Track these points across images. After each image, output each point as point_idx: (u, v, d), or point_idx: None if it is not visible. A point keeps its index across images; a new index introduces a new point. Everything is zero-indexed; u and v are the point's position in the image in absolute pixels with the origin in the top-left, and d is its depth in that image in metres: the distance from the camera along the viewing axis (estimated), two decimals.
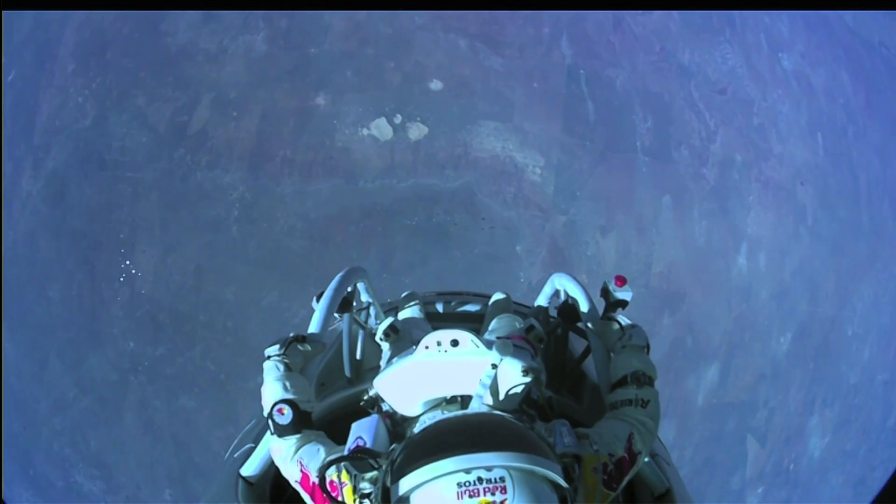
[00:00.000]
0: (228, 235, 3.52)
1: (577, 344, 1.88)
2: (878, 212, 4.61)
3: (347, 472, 1.13)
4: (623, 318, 1.59)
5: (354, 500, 1.10)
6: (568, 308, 1.78)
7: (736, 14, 4.35)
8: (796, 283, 4.28)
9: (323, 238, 3.53)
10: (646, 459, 1.28)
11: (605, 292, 1.70)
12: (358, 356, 1.79)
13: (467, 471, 0.97)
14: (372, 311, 2.04)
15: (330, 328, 1.60)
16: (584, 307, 1.67)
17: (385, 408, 1.35)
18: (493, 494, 0.95)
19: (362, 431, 1.18)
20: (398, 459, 1.04)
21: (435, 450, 1.01)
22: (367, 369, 1.76)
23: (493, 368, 1.27)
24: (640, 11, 4.10)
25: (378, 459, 1.10)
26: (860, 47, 4.81)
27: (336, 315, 1.69)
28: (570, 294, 1.75)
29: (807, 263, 4.31)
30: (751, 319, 4.14)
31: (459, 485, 0.97)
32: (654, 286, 3.88)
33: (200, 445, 3.51)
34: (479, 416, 1.16)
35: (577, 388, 1.78)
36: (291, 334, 1.45)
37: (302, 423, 1.30)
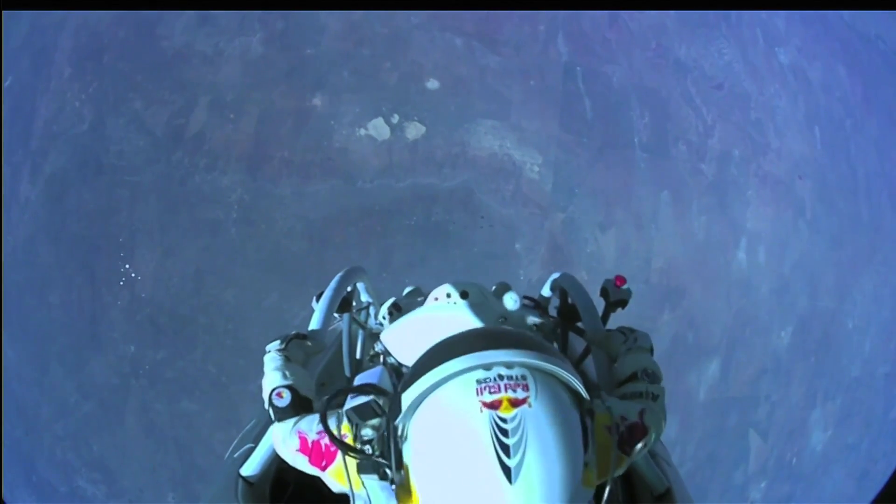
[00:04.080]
0: (227, 237, 3.52)
1: (577, 344, 1.88)
2: (876, 204, 4.61)
3: (349, 420, 1.06)
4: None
5: (357, 465, 1.04)
6: (568, 308, 1.77)
7: None
8: (796, 276, 4.28)
9: (322, 239, 3.53)
10: (654, 441, 1.22)
11: (605, 292, 1.70)
12: (358, 356, 1.79)
13: (486, 367, 0.91)
14: (372, 310, 2.04)
15: (330, 328, 1.60)
16: (584, 315, 1.65)
17: (391, 362, 1.33)
18: (514, 391, 0.88)
19: (366, 379, 1.11)
20: (405, 379, 0.97)
21: (447, 354, 0.94)
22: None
23: (502, 320, 1.24)
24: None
25: (382, 401, 1.03)
26: (857, 41, 4.81)
27: (336, 315, 1.69)
28: (573, 297, 1.75)
29: (806, 257, 4.31)
30: (751, 314, 4.14)
31: (479, 381, 0.90)
32: (654, 282, 3.88)
33: (203, 448, 3.50)
34: (494, 326, 1.12)
35: None
36: (293, 332, 1.44)
37: (302, 407, 1.27)
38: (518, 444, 0.85)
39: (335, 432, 1.09)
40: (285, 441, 1.23)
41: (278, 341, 1.40)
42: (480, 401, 0.88)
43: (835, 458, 4.46)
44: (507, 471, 0.84)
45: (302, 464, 1.21)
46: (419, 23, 3.74)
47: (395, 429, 0.96)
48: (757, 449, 4.19)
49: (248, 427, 1.64)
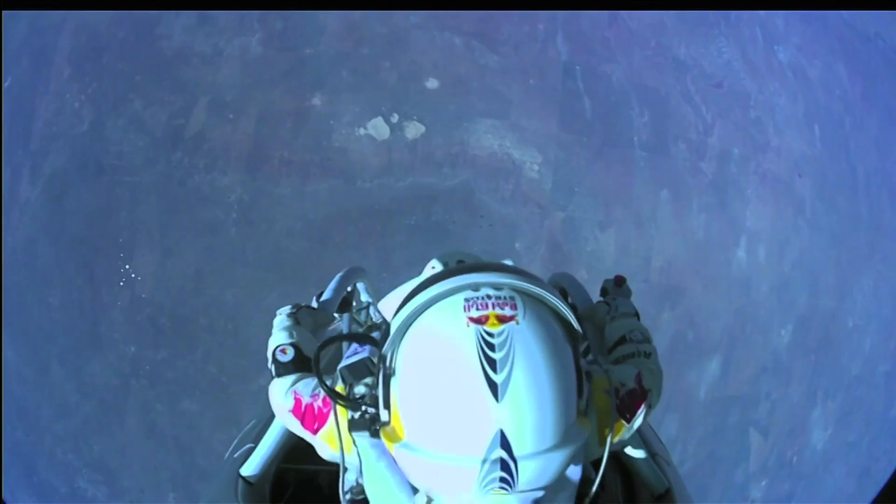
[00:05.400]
0: (227, 238, 3.52)
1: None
2: (876, 202, 4.61)
3: (343, 380, 1.05)
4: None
5: (348, 423, 1.03)
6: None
7: None
8: (796, 275, 4.28)
9: (322, 238, 3.53)
10: (655, 402, 1.20)
11: (604, 292, 1.71)
12: None
13: (474, 288, 0.89)
14: (372, 310, 2.05)
15: (330, 328, 1.60)
16: (581, 304, 1.65)
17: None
18: (501, 309, 0.86)
19: (360, 350, 1.11)
20: (395, 312, 0.95)
21: (434, 280, 0.93)
22: None
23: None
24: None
25: (376, 357, 1.01)
26: (856, 39, 4.81)
27: (336, 315, 1.69)
28: (570, 292, 1.75)
29: (806, 255, 4.31)
30: (751, 312, 4.14)
31: (466, 300, 0.88)
32: (654, 280, 3.88)
33: (203, 448, 3.51)
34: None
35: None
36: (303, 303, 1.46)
37: (304, 366, 1.28)
38: (505, 359, 0.83)
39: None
40: (281, 400, 1.23)
41: (289, 307, 1.43)
42: (467, 317, 0.86)
43: (835, 456, 4.46)
44: (493, 386, 0.82)
45: (294, 426, 1.21)
46: (418, 22, 3.74)
47: (384, 359, 0.94)
48: (757, 447, 4.19)
49: (247, 427, 1.65)
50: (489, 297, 0.88)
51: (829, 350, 4.39)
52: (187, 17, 3.67)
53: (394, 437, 0.92)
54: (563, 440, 0.86)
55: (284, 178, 3.55)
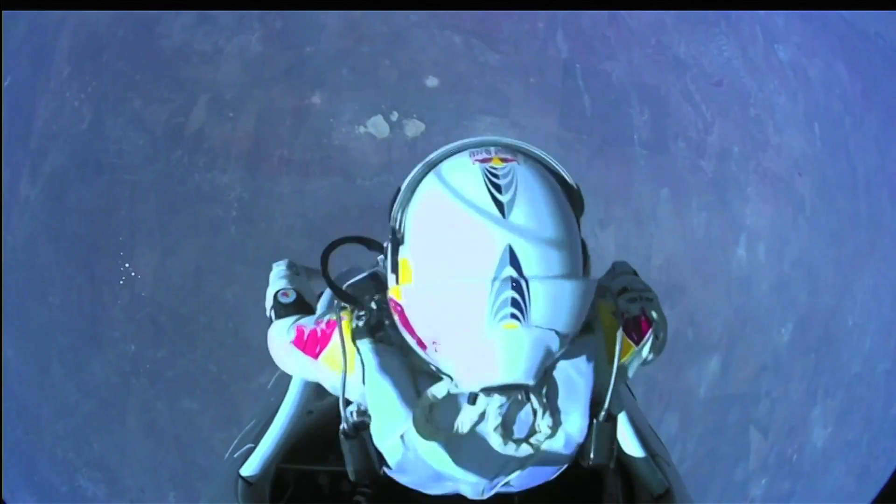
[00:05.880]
0: (227, 236, 3.52)
1: None
2: (876, 201, 4.60)
3: (346, 307, 1.11)
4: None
5: (351, 333, 1.07)
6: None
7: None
8: (796, 273, 4.28)
9: (322, 237, 3.49)
10: (663, 337, 1.23)
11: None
12: None
13: (478, 145, 0.99)
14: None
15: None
16: None
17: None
18: (504, 155, 0.94)
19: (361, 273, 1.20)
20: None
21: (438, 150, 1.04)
22: None
23: None
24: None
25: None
26: (856, 38, 4.80)
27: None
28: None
29: (806, 254, 4.31)
30: (751, 311, 4.14)
31: (472, 153, 0.96)
32: (654, 279, 3.83)
33: (204, 447, 3.51)
34: None
35: None
36: None
37: (306, 309, 1.30)
38: (509, 185, 0.88)
39: (333, 317, 1.11)
40: (283, 336, 1.23)
41: (286, 259, 1.49)
42: (473, 159, 0.94)
43: (835, 455, 4.45)
44: (499, 205, 0.86)
45: (294, 360, 1.21)
46: (418, 20, 3.74)
47: (393, 226, 1.04)
48: (757, 446, 4.19)
49: (247, 427, 1.65)
50: (493, 148, 0.97)
51: (829, 348, 4.38)
52: (187, 15, 3.67)
53: (401, 290, 0.94)
54: (572, 272, 0.88)
55: (284, 177, 3.55)
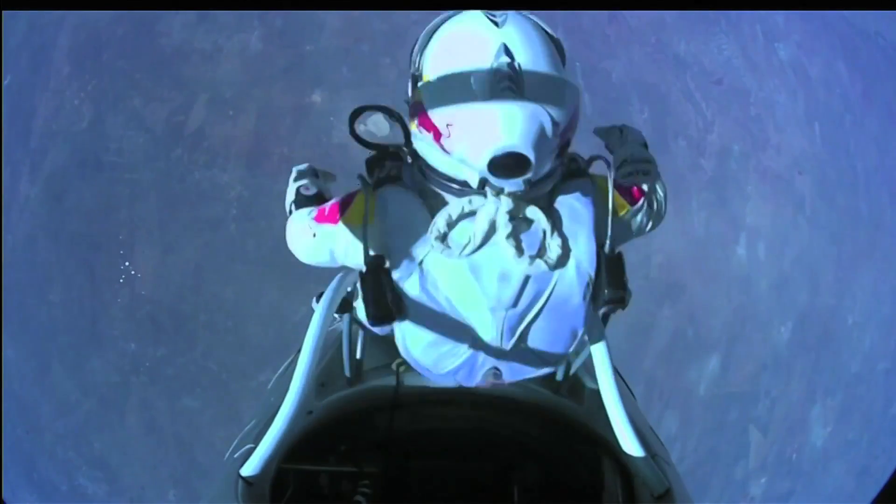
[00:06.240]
0: (227, 234, 3.52)
1: None
2: (876, 200, 4.60)
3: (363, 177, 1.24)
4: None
5: (374, 184, 1.20)
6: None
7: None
8: (796, 272, 4.28)
9: None
10: (664, 196, 1.38)
11: (618, 132, 1.77)
12: (358, 356, 1.78)
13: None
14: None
15: (330, 328, 1.60)
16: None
17: None
18: (503, 22, 1.07)
19: None
20: None
21: None
22: (368, 369, 1.76)
23: None
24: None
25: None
26: (856, 37, 4.80)
27: (336, 315, 1.68)
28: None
29: (806, 253, 4.31)
30: (751, 309, 4.14)
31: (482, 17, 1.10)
32: (654, 277, 3.88)
33: (204, 445, 3.51)
34: None
35: (577, 390, 1.78)
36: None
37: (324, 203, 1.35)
38: (504, 17, 1.07)
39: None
40: (304, 218, 1.32)
41: (307, 163, 1.60)
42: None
43: (835, 453, 4.45)
44: (494, 21, 1.06)
45: (313, 239, 1.30)
46: (418, 19, 3.73)
47: (413, 69, 1.18)
48: (757, 445, 4.19)
49: (248, 427, 1.65)
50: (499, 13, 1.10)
51: (828, 347, 4.39)
52: (187, 14, 3.67)
53: (420, 89, 1.09)
54: (556, 71, 1.06)
55: (284, 175, 3.50)
